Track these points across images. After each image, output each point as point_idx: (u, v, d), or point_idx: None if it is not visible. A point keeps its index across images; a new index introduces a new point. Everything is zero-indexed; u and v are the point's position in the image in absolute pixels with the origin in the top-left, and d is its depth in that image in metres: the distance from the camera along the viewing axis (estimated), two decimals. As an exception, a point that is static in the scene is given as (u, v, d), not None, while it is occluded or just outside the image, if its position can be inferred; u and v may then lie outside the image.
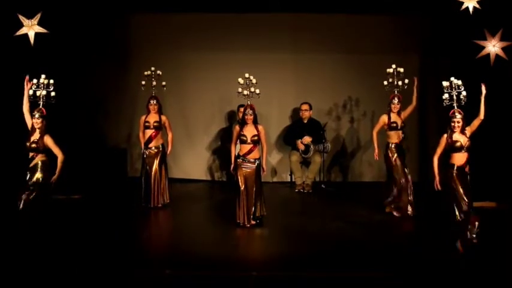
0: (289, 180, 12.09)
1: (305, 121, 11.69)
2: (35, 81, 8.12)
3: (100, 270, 6.94)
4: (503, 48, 9.70)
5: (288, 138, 11.95)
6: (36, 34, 9.60)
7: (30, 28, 9.62)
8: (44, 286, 6.63)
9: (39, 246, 7.63)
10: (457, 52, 10.47)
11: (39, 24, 9.63)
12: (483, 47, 9.77)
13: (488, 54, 9.73)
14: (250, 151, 8.72)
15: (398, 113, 9.53)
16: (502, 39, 9.68)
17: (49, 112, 8.14)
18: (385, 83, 9.58)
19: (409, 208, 9.37)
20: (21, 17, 9.61)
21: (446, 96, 7.66)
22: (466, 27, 9.91)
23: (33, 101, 8.11)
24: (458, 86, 7.65)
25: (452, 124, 7.56)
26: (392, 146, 9.51)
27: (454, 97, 7.62)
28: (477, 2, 9.26)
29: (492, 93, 7.87)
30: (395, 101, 9.50)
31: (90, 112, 11.87)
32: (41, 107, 8.10)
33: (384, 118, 9.58)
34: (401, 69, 9.54)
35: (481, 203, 9.33)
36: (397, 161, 9.48)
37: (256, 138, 8.67)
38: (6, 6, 9.68)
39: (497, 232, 8.26)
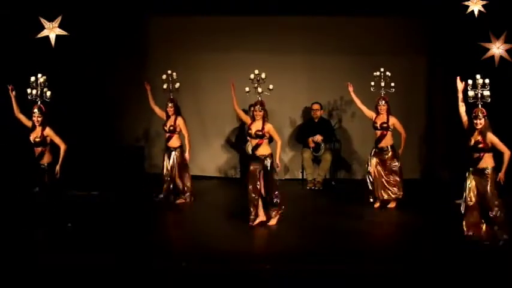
0: (300, 177, 12.25)
1: (316, 120, 11.89)
2: (33, 78, 8.52)
3: (117, 264, 7.13)
4: (507, 51, 9.91)
5: (299, 137, 12.19)
6: (57, 36, 9.91)
7: (51, 30, 9.90)
8: (65, 280, 6.75)
9: (59, 240, 7.97)
10: (462, 54, 10.62)
11: (59, 27, 9.95)
12: (488, 49, 9.98)
13: (492, 56, 9.95)
14: (257, 146, 8.63)
15: (388, 114, 9.76)
16: (506, 42, 9.88)
17: (50, 109, 8.58)
18: (372, 83, 9.83)
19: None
20: (42, 20, 9.91)
21: (471, 93, 7.73)
22: (471, 29, 10.10)
23: (32, 99, 8.50)
24: (484, 84, 7.73)
25: (475, 122, 7.67)
26: (375, 145, 9.88)
27: (479, 95, 7.70)
28: (482, 5, 9.43)
29: (496, 94, 8.03)
30: (382, 102, 9.73)
31: (109, 110, 12.09)
32: (39, 104, 8.49)
33: (372, 114, 9.86)
34: (388, 73, 9.79)
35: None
36: (373, 159, 9.84)
37: (260, 133, 8.57)
38: (28, 10, 10.01)
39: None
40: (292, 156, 12.66)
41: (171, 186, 10.16)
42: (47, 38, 9.95)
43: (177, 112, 10.05)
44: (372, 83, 9.84)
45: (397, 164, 9.79)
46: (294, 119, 12.60)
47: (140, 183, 11.43)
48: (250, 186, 8.65)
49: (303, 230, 8.76)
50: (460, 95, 7.83)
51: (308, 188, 11.68)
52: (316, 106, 11.88)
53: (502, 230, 7.65)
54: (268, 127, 8.66)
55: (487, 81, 7.73)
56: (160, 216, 9.77)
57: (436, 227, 8.61)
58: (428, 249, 7.65)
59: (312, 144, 11.68)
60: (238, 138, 12.36)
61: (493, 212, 7.64)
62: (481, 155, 7.70)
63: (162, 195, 10.16)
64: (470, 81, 7.77)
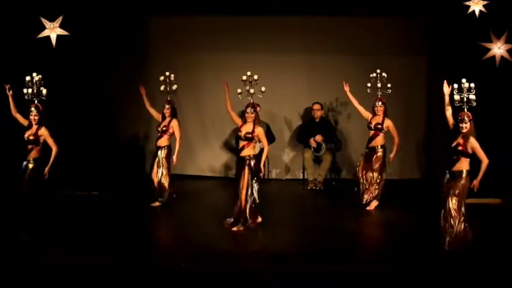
0: (301, 177, 12.28)
1: (317, 120, 11.90)
2: (28, 78, 8.55)
3: (117, 264, 7.12)
4: (508, 51, 9.92)
5: (300, 137, 12.20)
6: (58, 36, 9.93)
7: (52, 30, 9.93)
8: (65, 280, 6.72)
9: (59, 240, 7.95)
10: (463, 54, 10.59)
11: (60, 26, 9.96)
12: (489, 49, 9.99)
13: (493, 56, 9.95)
14: (242, 148, 8.58)
15: (384, 115, 9.75)
16: (507, 42, 9.89)
17: (47, 108, 8.60)
18: (369, 84, 9.81)
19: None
20: (43, 20, 9.93)
21: (457, 97, 7.67)
22: (472, 29, 10.09)
23: (29, 99, 8.52)
24: (470, 88, 7.67)
25: (460, 125, 7.60)
26: (366, 145, 9.87)
27: (465, 99, 7.64)
28: (483, 5, 9.48)
29: (497, 93, 8.00)
30: (379, 103, 9.73)
31: (109, 110, 12.09)
32: (36, 103, 8.52)
33: (369, 114, 9.86)
34: (384, 74, 9.76)
35: (486, 200, 9.50)
36: (363, 160, 9.87)
37: (249, 135, 8.50)
38: (28, 10, 10.03)
39: (502, 228, 8.45)
40: (293, 157, 12.68)
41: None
42: (48, 38, 9.96)
43: (173, 114, 9.98)
44: (369, 85, 9.83)
45: (380, 163, 9.78)
46: (295, 119, 12.63)
47: (140, 184, 11.35)
48: (236, 188, 8.64)
49: (303, 230, 8.75)
50: (447, 98, 7.83)
51: (309, 188, 11.71)
52: (316, 106, 11.90)
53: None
54: (259, 130, 8.56)
55: (472, 85, 7.69)
56: (160, 216, 9.77)
57: (436, 227, 8.57)
58: (428, 250, 7.63)
59: (313, 144, 11.68)
60: (237, 138, 12.26)
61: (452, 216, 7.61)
62: (459, 157, 7.67)
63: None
64: (455, 85, 7.73)
